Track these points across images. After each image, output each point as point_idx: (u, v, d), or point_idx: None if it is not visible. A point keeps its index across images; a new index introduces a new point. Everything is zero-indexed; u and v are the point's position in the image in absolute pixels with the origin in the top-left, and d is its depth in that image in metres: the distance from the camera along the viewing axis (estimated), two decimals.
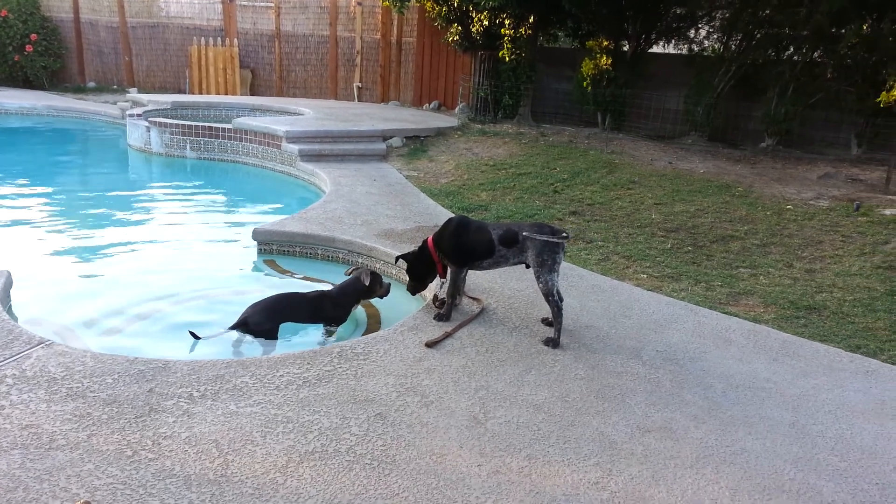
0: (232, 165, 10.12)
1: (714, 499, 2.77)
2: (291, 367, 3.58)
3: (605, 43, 11.54)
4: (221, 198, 8.85)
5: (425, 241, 4.48)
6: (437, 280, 4.64)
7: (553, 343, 4.03)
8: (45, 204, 7.90)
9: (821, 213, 7.14)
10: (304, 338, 4.58)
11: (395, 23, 15.20)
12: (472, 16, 12.08)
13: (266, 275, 5.80)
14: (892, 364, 4.13)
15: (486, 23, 11.88)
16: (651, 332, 4.32)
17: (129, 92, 15.48)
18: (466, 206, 7.34)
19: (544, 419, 3.24)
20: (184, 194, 8.78)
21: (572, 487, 2.77)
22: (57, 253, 6.20)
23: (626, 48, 11.66)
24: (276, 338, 4.39)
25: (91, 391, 3.20)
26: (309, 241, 6.00)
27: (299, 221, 6.28)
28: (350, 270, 4.84)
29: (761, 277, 5.57)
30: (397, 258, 4.64)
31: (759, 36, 10.49)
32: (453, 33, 12.58)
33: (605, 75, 11.39)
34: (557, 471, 2.87)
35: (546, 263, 4.04)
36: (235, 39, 16.65)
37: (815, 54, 10.18)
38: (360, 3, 15.60)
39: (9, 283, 4.44)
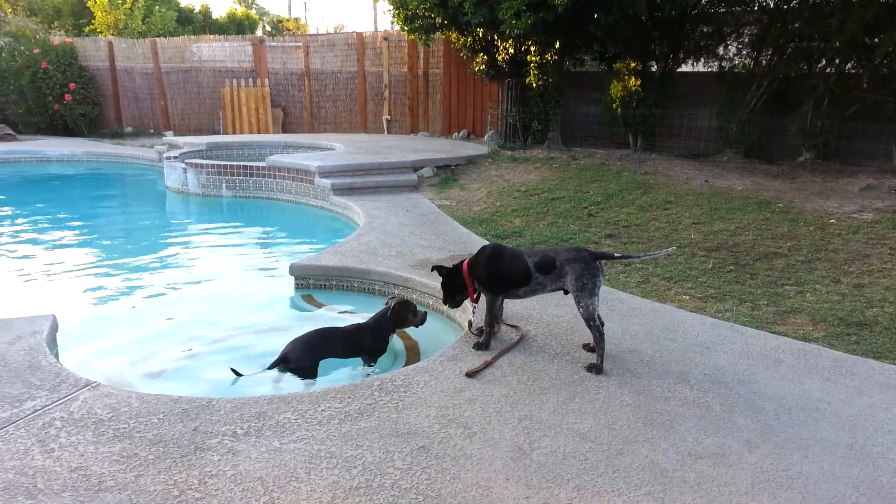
0: (267, 202, 10.27)
1: None
2: (333, 402, 3.56)
3: (633, 64, 11.52)
4: (258, 235, 8.97)
5: (461, 263, 4.45)
6: (472, 305, 4.61)
7: (596, 369, 3.96)
8: (88, 248, 8.10)
9: (865, 226, 6.96)
10: (343, 371, 4.57)
11: (422, 55, 15.41)
12: (497, 44, 12.19)
13: (304, 311, 5.82)
14: None
15: (511, 51, 11.98)
16: (697, 355, 4.22)
17: (165, 135, 15.90)
18: (500, 232, 7.31)
19: (591, 448, 3.17)
20: (221, 233, 8.92)
21: None
22: (100, 295, 6.33)
23: (654, 68, 11.63)
24: (316, 374, 4.38)
25: (137, 431, 3.23)
26: (345, 275, 6.03)
27: (334, 255, 6.32)
28: (388, 300, 4.83)
29: (808, 294, 5.42)
30: (433, 268, 4.59)
31: (790, 50, 10.37)
32: (479, 62, 12.69)
33: (635, 96, 11.36)
34: (608, 501, 2.78)
35: (586, 287, 3.98)
36: (266, 80, 17.04)
37: (849, 65, 10.01)
38: (386, 38, 15.87)
39: (55, 327, 4.53)
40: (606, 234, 7.13)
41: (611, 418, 3.44)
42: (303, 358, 4.34)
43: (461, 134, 14.92)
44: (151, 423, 3.30)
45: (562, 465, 3.03)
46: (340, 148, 11.76)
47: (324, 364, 4.46)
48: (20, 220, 9.47)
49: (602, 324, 4.02)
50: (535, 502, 2.77)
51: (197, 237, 8.69)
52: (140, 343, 5.09)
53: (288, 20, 41.15)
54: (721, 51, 11.37)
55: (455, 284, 4.48)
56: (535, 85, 11.89)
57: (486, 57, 12.48)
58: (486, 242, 6.89)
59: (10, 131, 16.14)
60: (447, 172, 10.40)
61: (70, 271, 7.00)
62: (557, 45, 11.64)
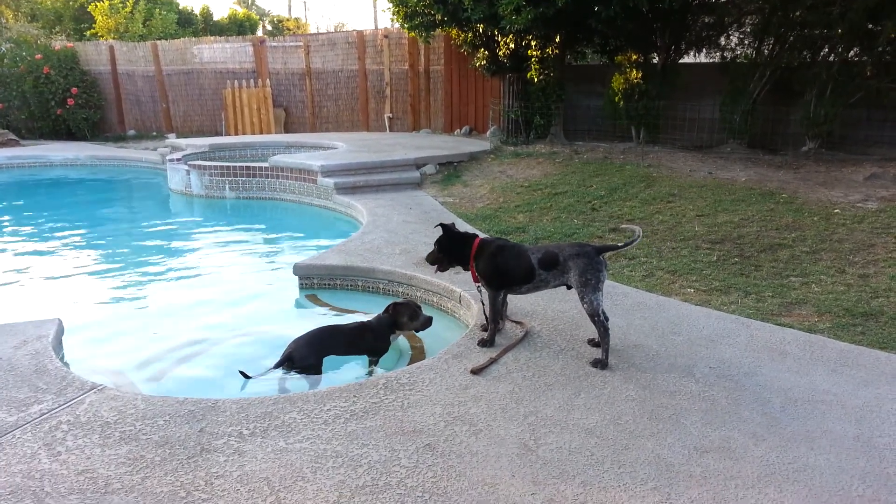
0: (270, 203, 10.28)
1: None
2: (338, 401, 3.57)
3: (635, 57, 11.46)
4: (262, 235, 8.98)
5: (472, 239, 4.33)
6: (480, 306, 4.60)
7: (601, 364, 3.95)
8: (93, 251, 8.12)
9: (870, 215, 6.92)
10: (348, 370, 4.57)
11: (422, 52, 15.39)
12: (497, 40, 12.15)
13: (308, 309, 5.83)
14: None
15: (512, 45, 11.94)
16: (702, 349, 4.21)
17: (167, 137, 15.95)
18: (504, 228, 7.31)
19: (597, 444, 3.16)
20: (225, 234, 8.94)
21: None
22: (105, 298, 6.35)
23: (655, 60, 11.57)
24: (321, 372, 4.39)
25: (143, 434, 3.24)
26: (349, 274, 6.03)
27: (338, 254, 6.33)
28: (402, 299, 4.79)
29: (813, 285, 5.40)
30: (442, 224, 4.41)
31: (792, 38, 10.31)
32: (480, 58, 12.66)
33: (637, 89, 11.30)
34: (614, 497, 2.78)
35: (590, 283, 3.96)
36: (268, 80, 17.05)
37: (852, 53, 9.95)
38: (386, 36, 15.85)
39: (60, 331, 4.55)
40: (610, 229, 7.11)
41: (616, 413, 3.44)
42: (307, 356, 4.35)
43: (463, 130, 14.90)
44: (157, 425, 3.31)
45: (567, 460, 3.03)
46: (343, 147, 11.77)
47: (328, 363, 4.46)
48: (25, 225, 9.51)
49: (607, 318, 4.01)
50: (541, 499, 2.77)
51: (201, 238, 8.70)
52: (145, 345, 5.10)
53: (288, 20, 41.15)
54: (723, 41, 11.31)
55: (458, 255, 4.36)
56: (536, 80, 11.86)
57: (486, 52, 12.45)
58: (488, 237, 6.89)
59: (14, 136, 16.20)
60: (450, 169, 10.39)
61: (75, 275, 7.03)
62: (558, 40, 11.59)
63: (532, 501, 2.75)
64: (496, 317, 4.31)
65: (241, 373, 4.26)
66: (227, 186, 10.48)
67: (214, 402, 3.55)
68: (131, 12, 21.52)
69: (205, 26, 26.97)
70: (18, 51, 17.76)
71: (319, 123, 17.30)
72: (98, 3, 21.56)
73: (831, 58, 10.00)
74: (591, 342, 4.25)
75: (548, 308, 4.86)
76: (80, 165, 14.28)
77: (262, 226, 9.54)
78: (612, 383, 3.76)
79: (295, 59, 17.15)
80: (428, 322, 4.64)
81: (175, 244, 8.42)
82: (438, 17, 11.64)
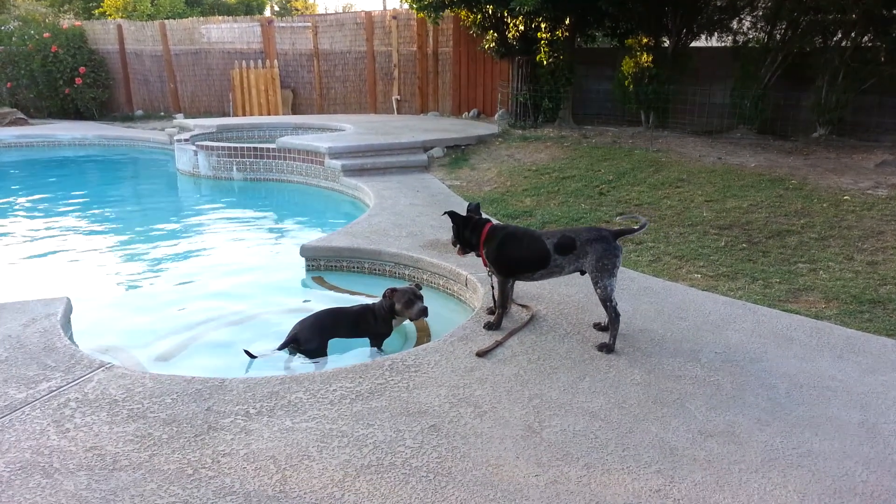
0: (277, 184, 10.29)
1: (782, 503, 2.66)
2: (344, 382, 3.59)
3: (645, 40, 11.36)
4: (269, 216, 8.99)
5: (483, 225, 4.28)
6: (487, 289, 4.61)
7: (608, 349, 3.95)
8: (101, 231, 8.16)
9: (880, 202, 6.87)
10: (354, 352, 4.59)
11: (431, 34, 15.28)
12: (507, 22, 12.06)
13: (314, 291, 5.85)
14: None
15: (521, 28, 11.85)
16: (708, 334, 4.20)
17: (175, 118, 15.95)
18: (511, 212, 7.29)
19: (601, 427, 3.17)
20: (232, 215, 8.95)
21: (633, 496, 2.69)
22: (113, 278, 6.39)
23: (666, 44, 11.47)
24: (326, 354, 4.41)
25: (151, 412, 3.27)
26: (356, 256, 6.04)
27: (345, 236, 6.33)
28: (413, 285, 4.75)
29: (821, 272, 5.38)
30: (449, 212, 4.38)
31: (804, 23, 10.19)
32: (489, 40, 12.57)
33: (647, 73, 11.21)
34: (617, 479, 2.80)
35: (606, 268, 3.94)
36: (275, 61, 16.98)
37: (866, 38, 9.83)
38: (395, 17, 15.74)
39: (69, 309, 4.58)
40: (618, 213, 7.09)
41: (621, 397, 3.45)
42: (312, 338, 4.37)
43: (471, 113, 14.83)
44: (165, 404, 3.34)
45: (571, 443, 3.04)
46: (350, 129, 11.74)
47: (334, 345, 4.48)
48: (33, 204, 9.55)
49: (617, 303, 4.01)
50: (545, 480, 2.78)
51: (208, 219, 8.73)
52: (153, 324, 5.14)
53: (296, 0, 40.89)
54: (735, 25, 11.18)
55: (469, 241, 4.33)
56: (545, 63, 11.77)
57: (496, 34, 12.36)
58: (497, 222, 6.88)
59: (22, 115, 16.22)
60: (457, 152, 10.36)
61: (83, 254, 7.06)
62: (568, 22, 11.50)
63: (536, 483, 2.76)
64: (504, 301, 4.30)
65: (247, 353, 4.29)
66: (234, 167, 10.49)
67: (221, 382, 3.57)
68: None
69: (213, 6, 26.84)
70: (27, 29, 17.74)
71: (327, 105, 17.25)
72: None
73: (844, 43, 9.89)
74: (597, 326, 4.25)
75: (554, 292, 4.86)
76: (88, 145, 14.30)
77: (269, 207, 9.56)
78: (617, 367, 3.77)
79: (303, 39, 17.07)
80: (423, 312, 4.49)
81: (182, 225, 8.45)
82: None
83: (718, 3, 10.99)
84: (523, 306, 4.58)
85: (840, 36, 9.97)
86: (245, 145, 10.67)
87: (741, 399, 3.44)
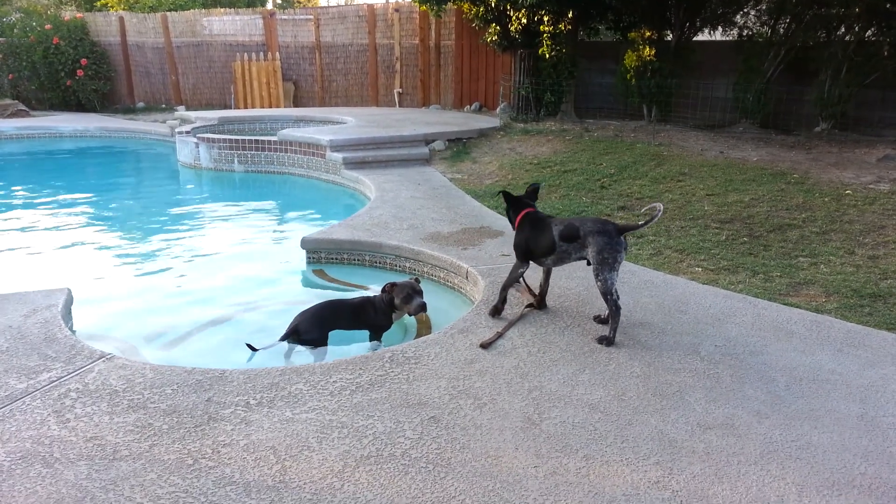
0: (279, 177, 10.28)
1: (780, 495, 2.66)
2: (344, 373, 3.59)
3: (648, 33, 11.33)
4: (270, 209, 8.99)
5: (523, 209, 4.38)
6: (489, 282, 4.61)
7: (607, 341, 3.95)
8: (102, 222, 8.16)
9: (882, 196, 6.86)
10: (354, 343, 4.60)
11: (433, 26, 15.25)
12: (510, 14, 12.03)
13: (315, 284, 5.85)
14: None
15: (524, 21, 11.81)
16: (708, 327, 4.21)
17: (177, 110, 15.93)
18: None
19: (601, 419, 3.18)
20: (233, 207, 8.96)
21: (632, 487, 2.70)
22: (114, 269, 6.39)
23: (669, 38, 11.44)
24: (326, 345, 4.42)
25: (151, 402, 3.27)
26: (356, 248, 6.04)
27: (346, 229, 6.33)
28: (412, 279, 4.76)
29: (822, 266, 5.37)
30: (503, 192, 4.53)
31: (808, 17, 10.16)
32: (491, 33, 12.54)
33: (650, 66, 11.18)
34: (616, 471, 2.80)
35: (607, 262, 3.94)
36: (277, 53, 16.96)
37: (869, 32, 9.80)
38: (397, 10, 15.71)
39: (69, 300, 4.59)
40: (619, 207, 7.08)
41: (620, 389, 3.45)
42: (312, 330, 4.37)
43: (473, 106, 14.81)
44: (165, 394, 3.35)
45: (571, 435, 3.05)
46: (352, 122, 11.72)
47: (334, 336, 4.49)
48: (35, 195, 9.55)
49: (618, 297, 4.00)
50: (544, 471, 2.79)
51: (209, 211, 8.73)
52: (154, 315, 5.14)
53: None
54: (738, 19, 11.15)
55: (512, 222, 4.46)
56: (548, 56, 11.74)
57: (498, 27, 12.33)
58: (498, 216, 6.88)
59: (24, 107, 16.21)
60: (459, 146, 10.35)
61: (84, 245, 7.07)
62: (571, 15, 11.46)
63: (535, 474, 2.77)
64: (509, 285, 4.34)
65: (249, 346, 4.29)
66: (235, 160, 10.48)
67: (222, 373, 3.58)
68: None
69: None
70: (28, 21, 17.70)
71: (329, 98, 17.22)
72: None
73: (848, 37, 9.86)
74: (597, 319, 4.26)
75: (554, 285, 4.85)
76: (90, 137, 14.30)
77: (271, 200, 9.55)
78: (617, 360, 3.77)
79: (305, 32, 17.03)
80: (421, 308, 4.50)
81: (183, 217, 8.45)
82: None
83: None
84: (532, 294, 4.56)
85: (843, 30, 9.95)
86: (246, 138, 10.66)
87: (741, 392, 3.44)
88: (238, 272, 6.23)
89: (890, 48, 9.53)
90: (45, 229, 7.65)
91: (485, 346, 3.91)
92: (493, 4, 11.88)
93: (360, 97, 16.84)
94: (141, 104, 18.33)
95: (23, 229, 7.68)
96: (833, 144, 9.39)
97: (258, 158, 10.43)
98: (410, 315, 4.65)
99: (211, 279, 6.07)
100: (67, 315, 4.45)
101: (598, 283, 3.98)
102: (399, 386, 3.47)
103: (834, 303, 4.66)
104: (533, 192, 4.54)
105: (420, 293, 4.55)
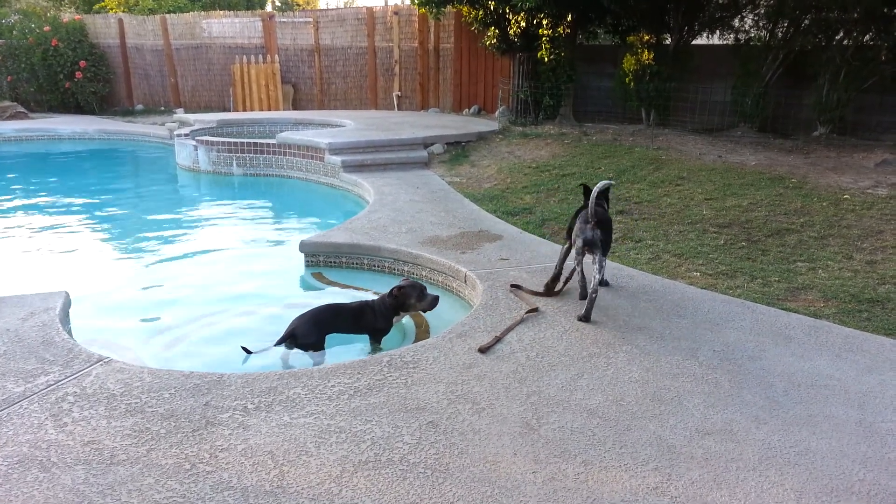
0: (277, 180, 10.28)
1: (779, 501, 2.66)
2: (342, 378, 3.59)
3: (647, 37, 11.35)
4: (268, 212, 8.99)
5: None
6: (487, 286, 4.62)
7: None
8: (100, 225, 8.15)
9: (880, 201, 6.87)
10: (352, 348, 4.60)
11: (432, 30, 15.27)
12: (508, 18, 12.04)
13: (314, 288, 5.85)
14: None
15: (523, 24, 11.83)
16: (707, 332, 4.21)
17: (175, 113, 15.91)
18: (511, 209, 7.29)
19: (599, 424, 3.18)
20: (232, 210, 8.95)
21: (631, 493, 2.70)
22: (112, 272, 6.39)
23: (668, 41, 11.46)
24: (324, 349, 4.41)
25: (149, 406, 3.27)
26: (355, 252, 6.04)
27: (345, 232, 6.33)
28: (403, 281, 4.78)
29: (820, 271, 5.38)
30: (584, 185, 4.92)
31: (806, 21, 10.18)
32: (490, 37, 12.55)
33: (648, 70, 11.20)
34: (615, 476, 2.80)
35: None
36: (276, 56, 16.96)
37: (867, 37, 9.82)
38: (396, 13, 15.72)
39: (67, 304, 4.58)
40: (618, 211, 7.08)
41: (619, 394, 3.45)
42: (309, 334, 4.36)
43: (472, 110, 14.82)
44: (163, 398, 3.34)
45: (569, 440, 3.04)
46: (350, 125, 11.72)
47: (332, 340, 4.48)
48: (33, 198, 9.54)
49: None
50: (543, 477, 2.78)
51: (208, 214, 8.72)
52: (152, 319, 5.14)
53: None
54: (736, 23, 11.18)
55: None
56: (546, 59, 11.76)
57: (497, 31, 12.34)
58: (497, 220, 6.88)
59: (22, 109, 16.19)
60: (458, 149, 10.35)
61: (82, 248, 7.06)
62: (570, 19, 11.48)
63: (533, 479, 2.77)
64: (560, 261, 4.80)
65: (244, 349, 4.29)
66: (234, 163, 10.47)
67: (220, 377, 3.57)
68: None
69: (214, 1, 26.77)
70: (27, 23, 17.69)
71: (328, 101, 17.23)
72: None
73: (846, 42, 9.88)
74: (581, 318, 4.31)
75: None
76: (89, 139, 14.29)
77: (269, 203, 9.55)
78: (615, 364, 3.77)
79: (304, 34, 17.04)
80: (435, 301, 4.61)
81: (182, 220, 8.44)
82: None
83: (720, 1, 10.98)
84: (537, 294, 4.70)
85: (841, 34, 9.96)
86: (245, 140, 10.65)
87: (739, 397, 3.44)
88: (236, 275, 6.22)
89: (888, 53, 9.55)
90: (43, 232, 7.64)
91: (483, 350, 3.91)
92: (492, 8, 11.90)
93: (358, 100, 16.85)
94: (140, 106, 18.32)
95: (21, 232, 7.67)
96: (831, 149, 9.41)
97: (257, 161, 10.43)
98: (425, 311, 4.69)
99: (209, 282, 6.06)
100: (65, 318, 4.44)
101: (603, 271, 4.48)
102: (397, 390, 3.46)
103: (832, 308, 4.67)
104: (606, 189, 4.88)
105: (426, 288, 4.63)
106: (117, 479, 2.72)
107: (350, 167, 9.28)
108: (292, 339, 4.36)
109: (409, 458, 2.90)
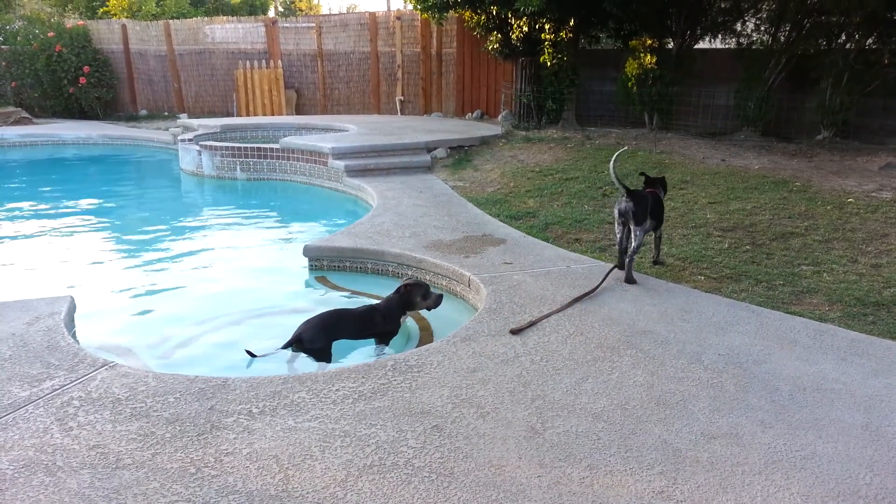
0: (281, 184, 10.30)
1: None
2: (347, 382, 3.59)
3: (649, 42, 11.36)
4: (272, 216, 9.00)
5: (648, 187, 5.54)
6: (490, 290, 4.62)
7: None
8: (104, 230, 8.17)
9: (884, 205, 6.86)
10: (357, 352, 4.60)
11: (435, 34, 15.30)
12: (511, 22, 12.07)
13: (318, 292, 5.85)
14: None
15: (525, 29, 11.85)
16: (712, 335, 4.20)
17: (179, 118, 15.97)
18: (514, 213, 7.29)
19: (604, 428, 3.17)
20: (236, 215, 8.97)
21: (636, 497, 2.69)
22: (117, 277, 6.40)
23: (670, 46, 11.46)
24: (330, 354, 4.41)
25: (154, 410, 3.27)
26: (358, 256, 6.05)
27: (348, 236, 6.34)
28: (405, 280, 4.82)
29: (825, 274, 5.37)
30: (642, 173, 5.76)
31: (808, 25, 10.18)
32: (493, 41, 12.57)
33: (651, 74, 11.20)
34: (620, 481, 2.79)
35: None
36: (279, 61, 17.01)
37: (870, 41, 9.82)
38: (399, 18, 15.76)
39: (72, 308, 4.59)
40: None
41: (624, 398, 3.44)
42: (316, 338, 4.37)
43: (475, 114, 14.84)
44: (168, 403, 3.34)
45: (574, 444, 3.04)
46: (353, 129, 11.75)
47: (338, 345, 4.48)
48: (37, 203, 9.57)
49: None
50: (548, 481, 2.78)
51: (211, 219, 8.74)
52: (156, 323, 5.15)
53: (300, 1, 40.93)
54: (739, 27, 11.17)
55: None
56: (549, 64, 11.77)
57: (499, 35, 12.36)
58: (500, 224, 6.88)
59: (27, 114, 16.26)
60: (461, 153, 10.36)
61: (87, 253, 7.08)
62: (572, 23, 11.50)
63: (538, 483, 2.76)
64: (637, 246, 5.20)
65: (248, 352, 4.29)
66: (238, 167, 10.50)
67: (224, 381, 3.58)
68: None
69: (216, 6, 26.86)
70: (31, 28, 17.77)
71: (331, 105, 17.26)
72: None
73: (848, 45, 9.88)
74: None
75: (556, 293, 4.85)
76: (93, 144, 14.33)
77: (273, 207, 9.57)
78: (619, 368, 3.76)
79: (307, 40, 17.08)
80: (439, 299, 4.68)
81: (186, 224, 8.46)
82: None
83: (723, 6, 10.98)
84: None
85: (844, 38, 9.96)
86: (248, 145, 10.68)
87: (744, 401, 3.43)
88: (240, 280, 6.23)
89: (890, 56, 9.55)
90: (48, 237, 7.66)
91: (515, 332, 4.07)
92: (494, 12, 11.92)
93: (361, 105, 16.88)
94: (143, 112, 18.37)
95: (25, 237, 7.69)
96: (835, 152, 9.40)
97: (260, 166, 10.45)
98: (430, 309, 4.73)
99: (213, 287, 6.07)
100: (70, 323, 4.45)
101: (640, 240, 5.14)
102: (402, 395, 3.46)
103: (837, 311, 4.66)
104: (662, 179, 5.82)
105: (430, 287, 4.73)
106: (123, 484, 2.72)
107: (353, 171, 9.29)
108: (299, 343, 4.37)
109: (414, 462, 2.89)
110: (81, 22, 18.74)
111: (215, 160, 10.60)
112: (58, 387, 3.47)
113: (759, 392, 3.52)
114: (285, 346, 4.37)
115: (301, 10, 36.17)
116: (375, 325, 4.55)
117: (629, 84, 11.51)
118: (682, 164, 8.84)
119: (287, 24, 17.47)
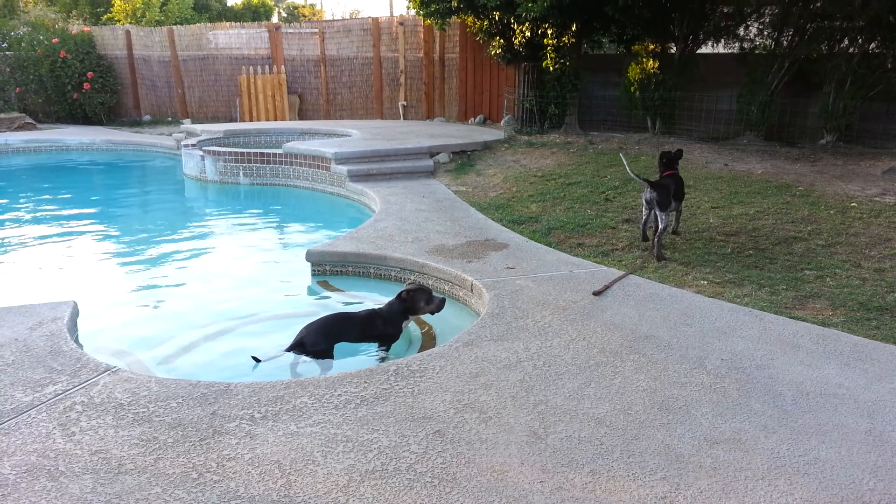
0: (284, 189, 10.31)
1: None
2: (349, 386, 3.59)
3: (652, 46, 11.36)
4: (275, 221, 9.02)
5: (667, 170, 6.24)
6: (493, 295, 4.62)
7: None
8: (108, 235, 8.19)
9: (888, 209, 6.85)
10: (359, 356, 4.60)
11: (438, 40, 15.34)
12: (513, 28, 12.08)
13: (321, 297, 5.86)
14: None
15: (528, 34, 11.86)
16: (714, 340, 4.19)
17: (182, 123, 16.00)
18: (516, 218, 7.29)
19: (606, 433, 3.16)
20: (239, 220, 8.98)
21: (639, 503, 2.68)
22: (120, 281, 6.41)
23: (673, 50, 11.46)
24: (332, 357, 4.42)
25: (156, 415, 3.27)
26: (361, 261, 6.05)
27: (351, 241, 6.34)
28: (408, 285, 4.83)
29: (828, 279, 5.36)
30: (662, 151, 6.48)
31: (811, 30, 10.18)
32: (495, 46, 12.59)
33: (653, 79, 11.20)
34: (623, 486, 2.78)
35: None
36: (283, 66, 17.05)
37: (873, 45, 9.81)
38: (401, 23, 15.80)
39: (75, 313, 4.60)
40: (624, 219, 7.08)
41: (626, 403, 3.44)
42: (318, 342, 4.37)
43: (477, 119, 14.86)
44: (170, 408, 3.34)
45: (577, 449, 3.03)
46: (356, 134, 11.76)
47: (339, 349, 4.48)
48: (41, 208, 9.59)
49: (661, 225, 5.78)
50: (550, 486, 2.77)
51: (215, 224, 8.75)
52: (159, 328, 5.15)
53: (303, 6, 41.09)
54: (742, 31, 11.17)
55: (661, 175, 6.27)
56: (551, 69, 11.77)
57: (502, 41, 12.38)
58: (503, 228, 6.89)
59: (31, 120, 16.30)
60: (463, 158, 10.37)
61: (90, 258, 7.09)
62: (575, 28, 11.50)
63: (541, 489, 2.75)
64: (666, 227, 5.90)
65: (253, 357, 4.30)
66: (241, 172, 10.52)
67: (227, 386, 3.58)
68: None
69: (220, 12, 27.00)
70: (35, 34, 17.84)
71: (333, 110, 17.30)
72: None
73: (851, 50, 9.87)
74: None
75: (559, 298, 4.85)
76: (96, 150, 14.37)
77: (276, 212, 9.58)
78: (622, 373, 3.76)
79: (310, 45, 17.13)
80: (442, 303, 4.71)
81: (189, 229, 8.47)
82: (454, 3, 11.58)
83: (725, 10, 10.98)
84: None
85: (847, 42, 9.95)
86: (252, 150, 10.71)
87: (747, 406, 3.42)
88: (243, 284, 6.23)
89: (894, 60, 9.53)
90: (51, 242, 7.68)
91: (597, 293, 4.67)
92: (496, 18, 11.94)
93: (364, 110, 16.91)
94: (147, 117, 18.43)
95: (29, 241, 7.71)
96: (838, 157, 9.39)
97: (263, 171, 10.47)
98: (433, 314, 4.73)
99: (216, 291, 6.08)
100: (73, 328, 4.46)
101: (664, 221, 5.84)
102: (404, 399, 3.46)
103: (840, 316, 4.64)
104: (677, 154, 6.42)
105: (432, 291, 4.74)
106: (125, 489, 2.72)
107: (356, 176, 9.30)
108: (301, 347, 4.37)
109: (416, 467, 2.89)
110: (86, 28, 18.81)
111: (218, 165, 10.62)
112: (60, 392, 3.47)
113: (762, 397, 3.51)
114: (287, 350, 4.37)
115: (304, 16, 36.31)
116: (377, 329, 4.56)
117: (632, 89, 11.52)
118: (684, 168, 8.79)
119: (290, 30, 17.53)
